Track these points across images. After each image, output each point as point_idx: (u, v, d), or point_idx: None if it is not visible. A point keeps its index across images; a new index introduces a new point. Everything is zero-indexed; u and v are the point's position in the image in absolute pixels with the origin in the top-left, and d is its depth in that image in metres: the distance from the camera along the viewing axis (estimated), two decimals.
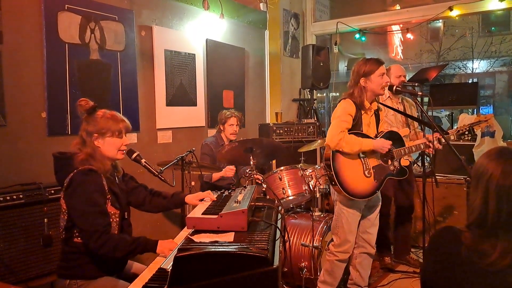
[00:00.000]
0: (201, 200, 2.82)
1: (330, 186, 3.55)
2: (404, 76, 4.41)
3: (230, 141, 4.64)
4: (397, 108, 4.37)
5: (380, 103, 3.75)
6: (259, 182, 3.86)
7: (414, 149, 3.61)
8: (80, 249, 2.42)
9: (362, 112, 3.43)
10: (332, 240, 3.73)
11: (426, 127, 3.90)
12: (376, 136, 3.49)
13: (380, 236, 3.86)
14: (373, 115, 3.54)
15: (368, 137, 3.41)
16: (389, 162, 3.51)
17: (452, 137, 3.73)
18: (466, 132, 3.73)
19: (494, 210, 1.53)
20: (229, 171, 4.41)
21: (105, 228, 2.35)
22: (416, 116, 4.30)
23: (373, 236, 3.70)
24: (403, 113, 4.24)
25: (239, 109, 5.02)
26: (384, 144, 3.37)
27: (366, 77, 3.39)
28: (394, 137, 3.54)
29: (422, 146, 3.63)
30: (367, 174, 3.39)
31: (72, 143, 2.53)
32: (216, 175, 4.49)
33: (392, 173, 3.52)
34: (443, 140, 3.59)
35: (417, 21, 6.70)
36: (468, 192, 3.61)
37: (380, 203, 3.73)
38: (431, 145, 3.58)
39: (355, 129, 3.39)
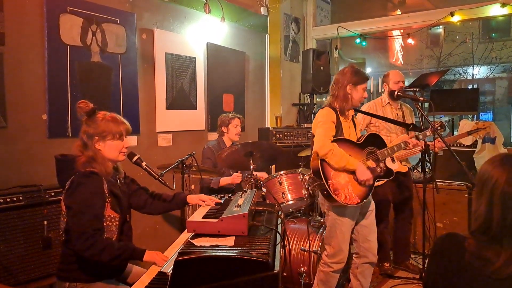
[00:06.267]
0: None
1: (320, 197, 3.53)
2: (403, 82, 4.39)
3: (232, 143, 4.62)
4: (396, 114, 4.36)
5: (360, 111, 3.87)
6: (259, 185, 3.83)
7: (396, 148, 3.61)
8: None
9: (342, 118, 3.48)
10: (324, 249, 3.68)
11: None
12: (358, 141, 3.53)
13: (379, 241, 3.81)
14: (351, 121, 3.60)
15: (351, 142, 3.46)
16: (375, 164, 3.52)
17: (428, 133, 3.80)
18: (439, 128, 3.82)
19: (498, 218, 1.52)
20: (236, 178, 4.38)
21: (94, 231, 2.32)
22: (414, 122, 4.28)
23: (373, 243, 3.65)
24: (389, 120, 4.17)
25: (239, 113, 5.01)
26: (367, 176, 3.35)
27: (353, 85, 3.45)
28: (376, 140, 3.59)
29: (402, 145, 3.65)
30: (355, 179, 3.39)
31: (74, 146, 2.53)
32: (224, 181, 4.45)
33: (380, 174, 3.52)
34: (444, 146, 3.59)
35: (418, 27, 6.71)
36: (469, 198, 3.59)
37: (374, 208, 3.69)
38: (409, 144, 3.66)
39: (337, 135, 3.41)
